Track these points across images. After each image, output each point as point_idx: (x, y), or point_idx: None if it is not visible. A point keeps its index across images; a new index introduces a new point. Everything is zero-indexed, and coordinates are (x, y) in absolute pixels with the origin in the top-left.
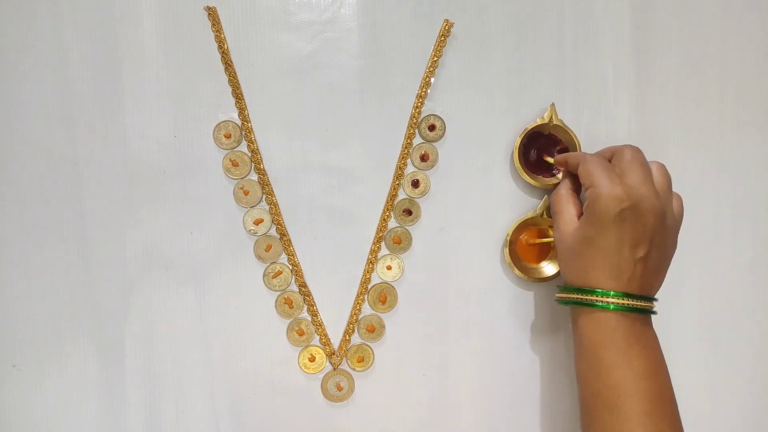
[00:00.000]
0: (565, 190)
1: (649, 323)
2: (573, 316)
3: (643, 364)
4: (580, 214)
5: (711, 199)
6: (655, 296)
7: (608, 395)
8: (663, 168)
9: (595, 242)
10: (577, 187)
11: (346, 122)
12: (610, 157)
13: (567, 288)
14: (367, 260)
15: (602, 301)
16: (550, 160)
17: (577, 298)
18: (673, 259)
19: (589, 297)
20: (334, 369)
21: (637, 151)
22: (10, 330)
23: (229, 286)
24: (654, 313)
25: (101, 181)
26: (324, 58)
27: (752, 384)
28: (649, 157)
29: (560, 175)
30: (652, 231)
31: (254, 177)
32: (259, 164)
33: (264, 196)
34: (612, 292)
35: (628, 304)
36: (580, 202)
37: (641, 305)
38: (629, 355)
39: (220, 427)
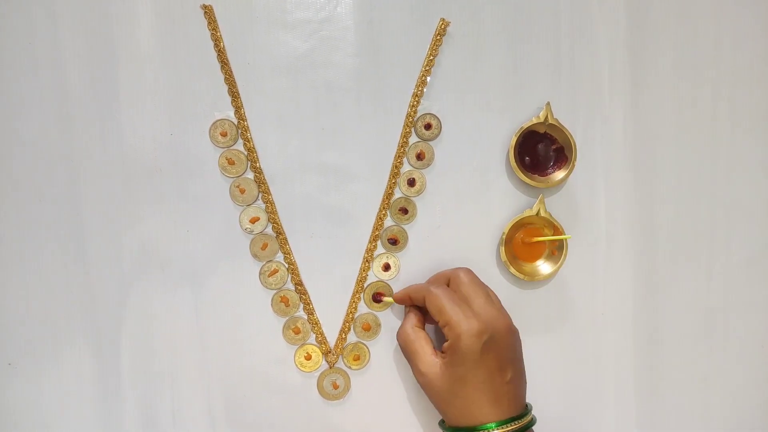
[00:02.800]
0: (410, 329)
1: None
2: None
3: None
4: (434, 348)
5: (705, 199)
6: (527, 406)
7: None
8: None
9: (467, 380)
10: (422, 320)
11: (342, 121)
12: (447, 282)
13: (455, 429)
14: (363, 259)
15: None
16: (389, 299)
17: None
18: (668, 259)
19: None
20: (330, 367)
21: (471, 273)
22: (6, 328)
23: (225, 285)
24: (533, 423)
25: (97, 180)
26: (320, 56)
27: (747, 383)
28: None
29: (559, 173)
30: (512, 351)
31: (250, 175)
32: (255, 163)
33: (260, 195)
34: (495, 423)
35: (515, 428)
36: (428, 336)
37: (525, 423)
38: None
39: (216, 425)
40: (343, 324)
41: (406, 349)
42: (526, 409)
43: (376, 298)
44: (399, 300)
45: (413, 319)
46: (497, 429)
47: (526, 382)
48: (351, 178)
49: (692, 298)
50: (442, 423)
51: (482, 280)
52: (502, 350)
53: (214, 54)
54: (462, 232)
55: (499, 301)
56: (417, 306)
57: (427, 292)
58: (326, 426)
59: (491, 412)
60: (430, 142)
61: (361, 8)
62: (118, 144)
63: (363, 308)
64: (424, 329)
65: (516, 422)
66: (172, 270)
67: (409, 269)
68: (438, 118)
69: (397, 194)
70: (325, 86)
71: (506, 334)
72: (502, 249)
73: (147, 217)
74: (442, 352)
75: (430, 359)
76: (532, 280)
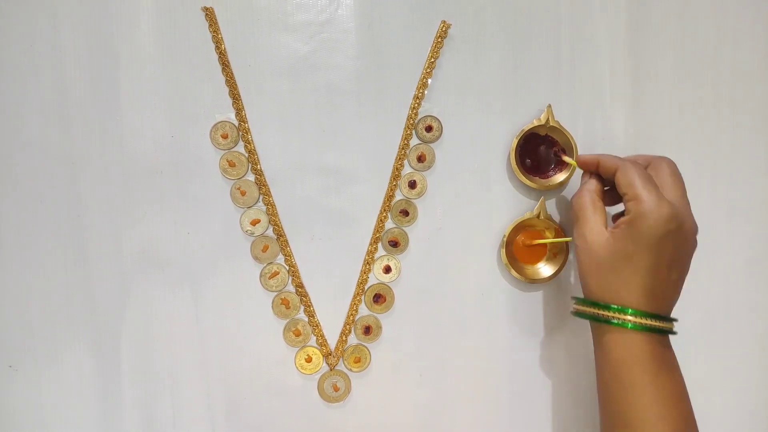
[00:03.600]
0: (589, 196)
1: (670, 344)
2: (596, 333)
3: (673, 388)
4: (606, 223)
5: (707, 200)
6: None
7: (635, 417)
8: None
9: (634, 260)
10: (602, 190)
11: (343, 123)
12: (646, 166)
13: (589, 302)
14: (364, 261)
15: (634, 322)
16: (570, 160)
17: (604, 315)
18: None
19: (619, 315)
20: (331, 370)
21: (675, 165)
22: (6, 330)
23: (225, 287)
24: (675, 333)
25: (98, 181)
26: (321, 58)
27: (749, 384)
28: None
29: (559, 176)
30: (688, 253)
31: (251, 177)
32: (256, 165)
33: (261, 197)
34: (643, 313)
35: (658, 326)
36: (605, 209)
37: (668, 327)
38: (659, 378)
39: (216, 427)
40: (344, 326)
41: (579, 213)
42: (669, 315)
43: (557, 153)
44: (584, 164)
45: (594, 185)
46: (634, 317)
47: (679, 295)
48: (352, 180)
49: (693, 299)
50: (576, 299)
51: (483, 282)
52: (680, 247)
53: (215, 56)
54: (463, 235)
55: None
56: (598, 176)
57: (623, 164)
58: (326, 428)
59: (640, 301)
60: (431, 144)
61: (362, 10)
62: (118, 146)
63: (364, 310)
64: (602, 201)
65: (657, 320)
66: (172, 272)
67: (409, 271)
68: (439, 120)
69: (398, 196)
70: (326, 88)
71: (691, 235)
72: (503, 251)
73: (147, 218)
74: (615, 226)
75: (599, 227)
76: (533, 282)
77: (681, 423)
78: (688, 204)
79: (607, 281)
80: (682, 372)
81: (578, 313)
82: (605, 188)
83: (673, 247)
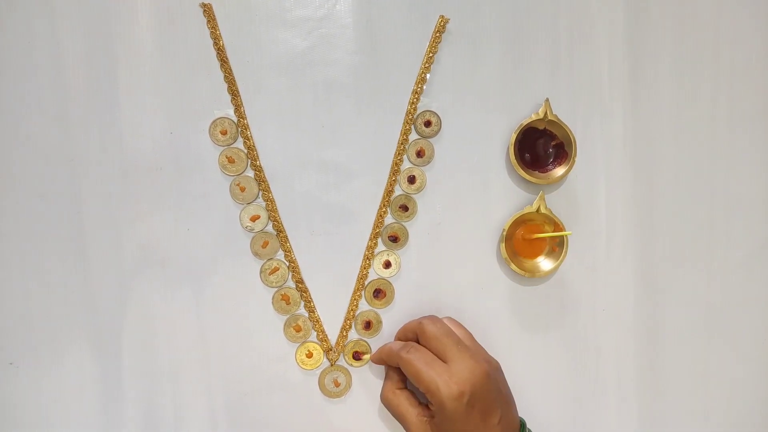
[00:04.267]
0: (392, 393)
1: None
2: None
3: None
4: (418, 404)
5: (704, 196)
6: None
7: None
8: (450, 320)
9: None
10: (402, 380)
11: (342, 118)
12: (415, 337)
13: None
14: (364, 256)
15: None
16: (367, 357)
17: None
18: (668, 255)
19: None
20: (332, 365)
21: (435, 321)
22: (7, 328)
23: (225, 283)
24: None
25: (97, 179)
26: (319, 54)
27: (746, 380)
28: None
29: (559, 170)
30: (495, 392)
31: (250, 173)
32: (256, 161)
33: (260, 193)
34: None
35: None
36: (411, 393)
37: None
38: None
39: (218, 423)
40: (344, 321)
41: (392, 413)
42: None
43: (357, 356)
44: (376, 361)
45: (393, 381)
46: None
47: (514, 404)
48: (351, 175)
49: (692, 294)
50: None
51: (482, 276)
52: (486, 399)
53: (214, 52)
54: (462, 229)
55: (472, 337)
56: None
57: (399, 359)
58: (328, 423)
59: None
60: (430, 139)
61: (359, 6)
62: (117, 143)
63: (364, 305)
64: (405, 388)
65: None
66: (172, 268)
67: (409, 266)
68: (438, 115)
69: (398, 191)
70: (324, 84)
71: (486, 382)
72: (503, 246)
73: (147, 215)
74: (428, 415)
75: (417, 420)
76: (532, 276)
77: None
78: (468, 353)
79: None
80: (678, 368)
81: None
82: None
83: (480, 405)
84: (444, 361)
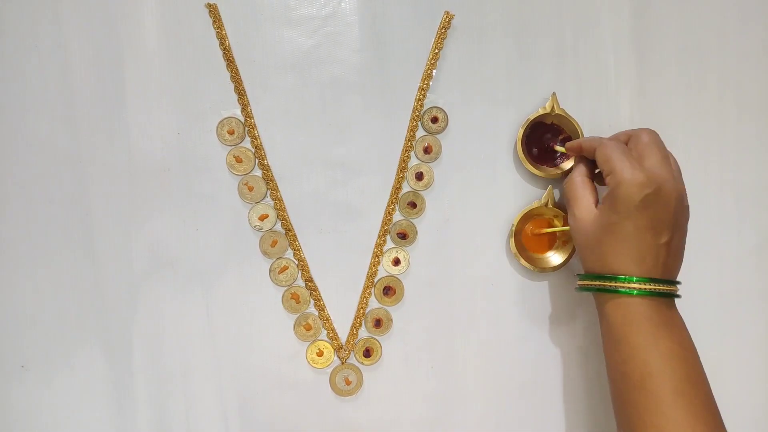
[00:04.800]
0: (580, 177)
1: (674, 306)
2: (598, 304)
3: (669, 345)
4: (597, 201)
5: (715, 186)
6: (678, 279)
7: (637, 377)
8: (671, 154)
9: (618, 229)
10: (592, 173)
11: (349, 116)
12: (626, 141)
13: (588, 275)
14: (373, 254)
15: (625, 287)
16: (560, 148)
17: (599, 285)
18: None
19: (611, 284)
20: (342, 363)
21: (653, 134)
22: (18, 330)
23: (235, 283)
24: (678, 296)
25: (106, 180)
26: (325, 52)
27: (761, 370)
28: None
29: (566, 164)
30: (673, 215)
31: (258, 173)
32: (263, 160)
33: (268, 192)
34: (635, 278)
35: (651, 289)
36: (595, 189)
37: (665, 289)
38: (655, 337)
39: (229, 423)
40: (355, 319)
41: (569, 195)
42: (672, 279)
43: (550, 146)
44: (569, 149)
45: (583, 168)
46: (625, 283)
47: (683, 257)
48: (359, 173)
49: (703, 285)
50: (578, 275)
51: (492, 272)
52: (662, 211)
53: (220, 52)
54: (471, 225)
55: (679, 170)
56: (588, 159)
57: (599, 143)
58: (339, 421)
59: (629, 267)
60: (437, 136)
61: (365, 3)
62: (125, 144)
63: (374, 303)
64: (592, 182)
65: (655, 284)
66: (182, 269)
67: (419, 263)
68: (444, 112)
69: (406, 188)
70: (330, 82)
71: (671, 197)
72: (512, 240)
73: (156, 216)
74: (601, 202)
75: (588, 206)
76: (542, 270)
77: (681, 379)
78: (671, 169)
79: (599, 252)
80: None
81: (579, 288)
82: (596, 170)
83: (653, 211)
84: (641, 162)
